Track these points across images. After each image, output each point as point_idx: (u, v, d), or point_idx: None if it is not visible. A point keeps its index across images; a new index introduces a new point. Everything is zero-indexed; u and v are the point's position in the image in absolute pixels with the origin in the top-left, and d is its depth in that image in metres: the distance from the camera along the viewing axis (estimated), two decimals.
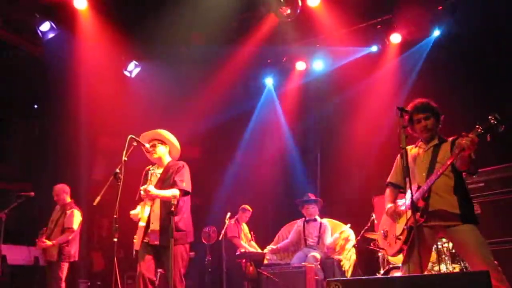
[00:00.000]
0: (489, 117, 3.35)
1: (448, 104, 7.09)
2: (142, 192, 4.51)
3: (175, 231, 4.36)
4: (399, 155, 4.03)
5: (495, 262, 3.42)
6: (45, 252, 6.40)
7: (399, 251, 3.82)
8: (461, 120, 6.87)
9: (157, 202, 4.67)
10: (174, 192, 4.56)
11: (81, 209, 6.57)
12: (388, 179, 4.18)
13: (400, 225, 3.81)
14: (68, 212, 6.52)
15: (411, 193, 3.60)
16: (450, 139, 3.82)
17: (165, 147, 4.95)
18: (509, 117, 3.53)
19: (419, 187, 3.69)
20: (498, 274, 3.33)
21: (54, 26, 7.72)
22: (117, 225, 4.14)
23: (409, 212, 3.63)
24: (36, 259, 6.94)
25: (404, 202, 3.87)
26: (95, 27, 7.86)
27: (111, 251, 4.34)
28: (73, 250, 6.49)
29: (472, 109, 7.06)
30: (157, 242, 4.58)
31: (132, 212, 4.81)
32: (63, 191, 6.62)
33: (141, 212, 4.67)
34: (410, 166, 3.73)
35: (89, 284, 8.14)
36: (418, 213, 3.57)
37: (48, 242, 6.25)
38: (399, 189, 4.07)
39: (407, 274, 3.57)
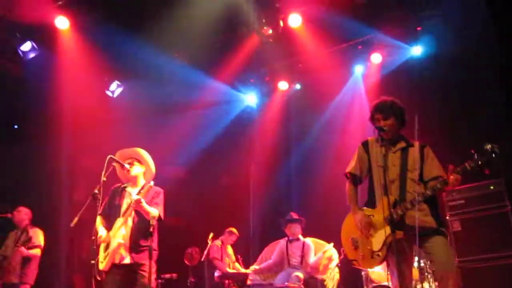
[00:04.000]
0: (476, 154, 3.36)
1: (429, 124, 7.28)
2: (132, 203, 4.40)
3: (149, 248, 4.32)
4: (360, 144, 3.98)
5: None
6: (3, 273, 6.22)
7: (376, 265, 3.81)
8: (442, 139, 7.02)
9: (130, 221, 4.57)
10: (156, 212, 4.53)
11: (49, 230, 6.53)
12: (349, 169, 3.98)
13: (377, 240, 3.66)
14: (31, 230, 6.45)
15: (389, 208, 3.50)
16: (417, 143, 3.77)
17: (141, 167, 4.88)
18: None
19: (394, 200, 3.57)
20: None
21: (35, 46, 7.70)
22: (95, 247, 4.07)
23: (387, 227, 3.52)
24: None
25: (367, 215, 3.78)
26: (77, 47, 7.84)
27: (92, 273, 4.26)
28: (36, 272, 6.37)
29: (452, 129, 7.17)
30: (129, 261, 4.46)
31: (102, 234, 4.58)
32: (26, 214, 6.63)
33: (115, 228, 4.52)
34: (373, 164, 3.78)
35: None
36: (400, 231, 3.52)
37: (23, 249, 6.14)
38: (357, 181, 3.96)
39: None
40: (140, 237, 4.48)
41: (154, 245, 4.58)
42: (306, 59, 8.68)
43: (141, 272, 4.37)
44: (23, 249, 6.16)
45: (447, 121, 7.37)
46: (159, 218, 4.61)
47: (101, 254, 4.55)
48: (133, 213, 4.52)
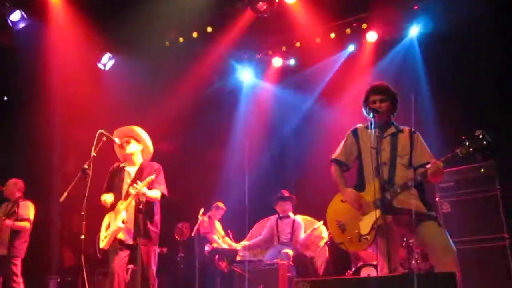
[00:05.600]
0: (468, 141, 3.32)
1: (426, 106, 7.27)
2: (132, 191, 4.42)
3: (151, 232, 4.47)
4: (350, 132, 3.96)
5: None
6: None
7: (363, 248, 3.83)
8: (440, 121, 7.02)
9: (132, 204, 4.58)
10: (158, 194, 4.59)
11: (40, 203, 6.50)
12: (334, 156, 3.98)
13: (365, 224, 3.65)
14: (22, 203, 6.43)
15: (381, 191, 3.53)
16: (407, 129, 3.78)
17: (138, 145, 4.87)
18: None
19: (380, 182, 3.55)
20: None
21: (25, 16, 7.52)
22: (84, 222, 4.08)
23: (377, 211, 3.53)
24: None
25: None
26: (69, 18, 7.69)
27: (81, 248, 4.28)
28: (25, 244, 6.36)
29: (451, 109, 7.15)
30: (131, 242, 4.54)
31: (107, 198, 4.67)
32: (15, 185, 6.57)
33: (117, 213, 4.57)
34: (363, 149, 3.78)
35: (59, 280, 8.02)
36: (389, 215, 3.52)
37: (8, 221, 6.13)
38: (343, 167, 3.95)
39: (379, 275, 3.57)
40: (142, 219, 4.50)
41: (155, 225, 4.66)
42: (300, 36, 8.58)
43: (141, 253, 4.40)
44: (8, 221, 6.14)
45: (441, 103, 7.35)
46: (163, 196, 4.66)
47: (102, 233, 4.62)
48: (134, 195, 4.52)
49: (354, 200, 3.72)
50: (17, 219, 6.27)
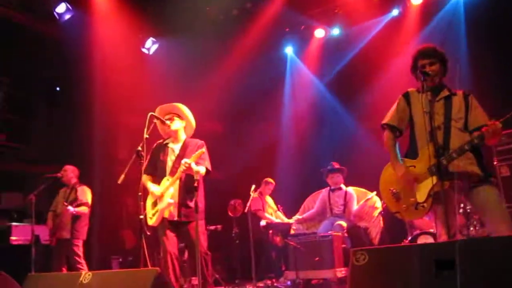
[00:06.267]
0: None
1: (475, 73, 6.97)
2: (181, 167, 4.42)
3: (197, 206, 4.36)
4: (401, 96, 3.82)
5: None
6: (56, 229, 6.54)
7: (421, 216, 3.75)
8: (490, 89, 6.72)
9: (178, 180, 4.61)
10: (203, 170, 4.61)
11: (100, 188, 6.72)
12: (387, 120, 3.83)
13: (422, 191, 3.55)
14: (79, 188, 6.68)
15: (435, 157, 3.39)
16: (461, 92, 3.64)
17: (181, 122, 4.88)
18: None
19: (434, 147, 3.41)
20: None
21: (69, 7, 7.73)
22: (142, 202, 4.18)
23: (433, 177, 3.44)
24: (37, 237, 7.04)
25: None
26: (111, 5, 7.86)
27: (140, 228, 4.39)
28: (86, 227, 6.64)
29: (502, 76, 6.84)
30: (176, 218, 4.59)
31: (154, 189, 4.71)
32: (72, 171, 6.83)
33: (164, 187, 4.61)
34: (415, 113, 3.65)
35: (120, 260, 8.36)
36: (447, 181, 3.40)
37: (70, 208, 6.40)
38: (396, 133, 3.82)
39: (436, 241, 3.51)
40: (188, 195, 4.55)
41: (200, 200, 4.64)
42: (342, 4, 8.39)
43: (190, 230, 4.46)
44: (70, 207, 6.40)
45: (493, 68, 7.02)
46: (208, 172, 4.69)
47: (149, 211, 4.69)
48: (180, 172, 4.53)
49: (406, 180, 3.63)
50: (78, 205, 6.54)
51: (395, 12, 8.41)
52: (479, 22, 7.36)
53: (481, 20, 7.31)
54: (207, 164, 4.70)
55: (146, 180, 4.71)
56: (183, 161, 4.45)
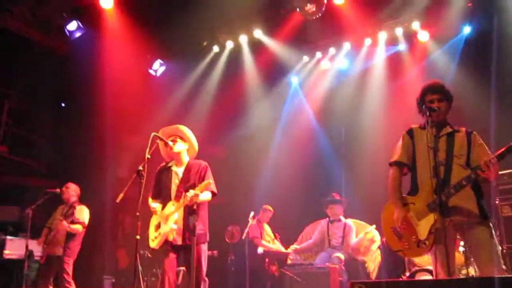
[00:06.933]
0: None
1: (479, 105, 6.99)
2: (187, 199, 4.40)
3: (199, 231, 4.44)
4: (405, 133, 3.82)
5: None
6: (48, 246, 6.49)
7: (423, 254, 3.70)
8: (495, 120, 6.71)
9: (182, 206, 4.60)
10: (209, 195, 4.62)
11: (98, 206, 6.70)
12: (396, 158, 3.80)
13: (423, 228, 3.53)
14: (78, 207, 6.65)
15: (437, 193, 3.40)
16: (463, 129, 3.64)
17: (184, 144, 4.88)
18: None
19: (437, 183, 3.41)
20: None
21: (81, 25, 7.84)
22: (139, 223, 4.13)
23: (434, 214, 3.42)
24: (30, 252, 6.97)
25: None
26: (121, 26, 7.96)
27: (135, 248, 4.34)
28: (79, 247, 6.58)
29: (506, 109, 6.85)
30: (180, 242, 4.57)
31: (155, 205, 4.72)
32: (74, 190, 6.81)
33: (169, 212, 4.60)
34: (418, 149, 3.64)
35: (113, 281, 8.23)
36: (447, 217, 3.37)
37: (65, 223, 6.35)
38: (403, 168, 3.80)
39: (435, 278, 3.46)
40: (186, 217, 4.54)
41: (202, 223, 4.64)
42: (350, 37, 8.48)
43: (192, 254, 4.38)
44: (65, 223, 6.36)
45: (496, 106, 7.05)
46: (214, 194, 4.69)
47: (152, 233, 4.67)
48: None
49: (401, 223, 3.61)
50: (73, 222, 6.49)
51: (401, 46, 8.49)
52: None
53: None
54: (213, 187, 4.68)
55: (151, 202, 4.75)
56: (190, 193, 4.39)
